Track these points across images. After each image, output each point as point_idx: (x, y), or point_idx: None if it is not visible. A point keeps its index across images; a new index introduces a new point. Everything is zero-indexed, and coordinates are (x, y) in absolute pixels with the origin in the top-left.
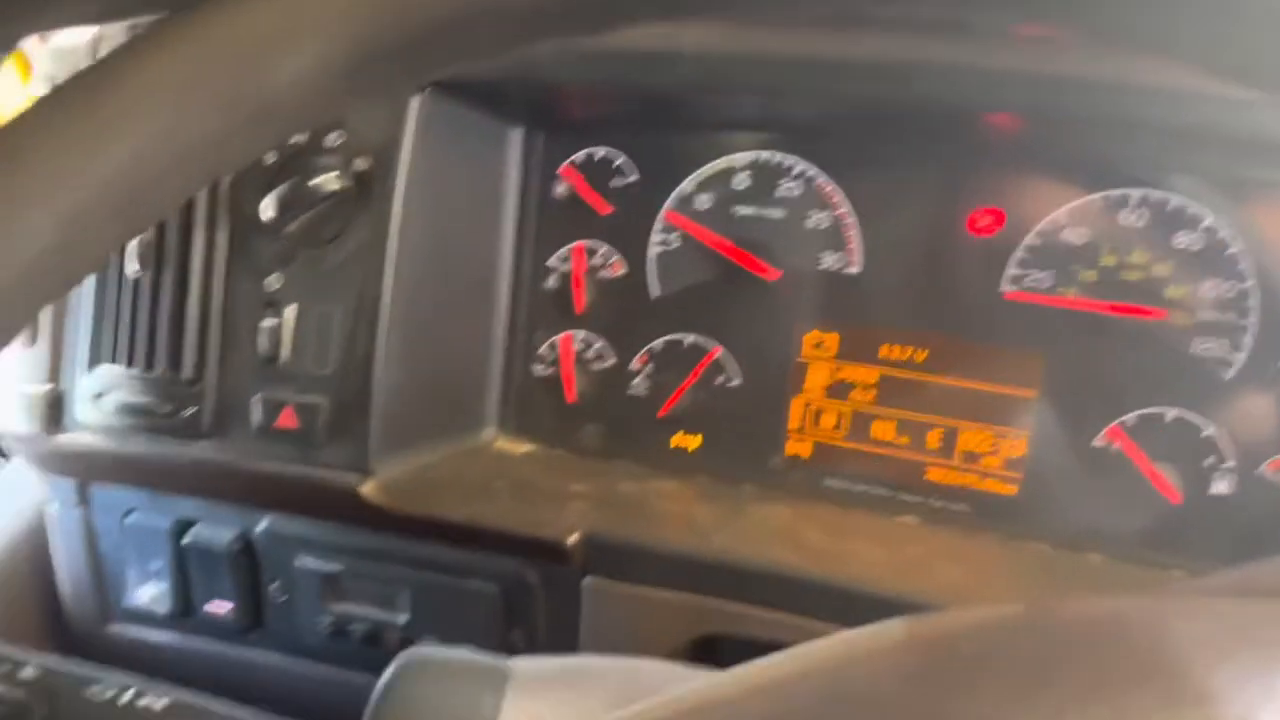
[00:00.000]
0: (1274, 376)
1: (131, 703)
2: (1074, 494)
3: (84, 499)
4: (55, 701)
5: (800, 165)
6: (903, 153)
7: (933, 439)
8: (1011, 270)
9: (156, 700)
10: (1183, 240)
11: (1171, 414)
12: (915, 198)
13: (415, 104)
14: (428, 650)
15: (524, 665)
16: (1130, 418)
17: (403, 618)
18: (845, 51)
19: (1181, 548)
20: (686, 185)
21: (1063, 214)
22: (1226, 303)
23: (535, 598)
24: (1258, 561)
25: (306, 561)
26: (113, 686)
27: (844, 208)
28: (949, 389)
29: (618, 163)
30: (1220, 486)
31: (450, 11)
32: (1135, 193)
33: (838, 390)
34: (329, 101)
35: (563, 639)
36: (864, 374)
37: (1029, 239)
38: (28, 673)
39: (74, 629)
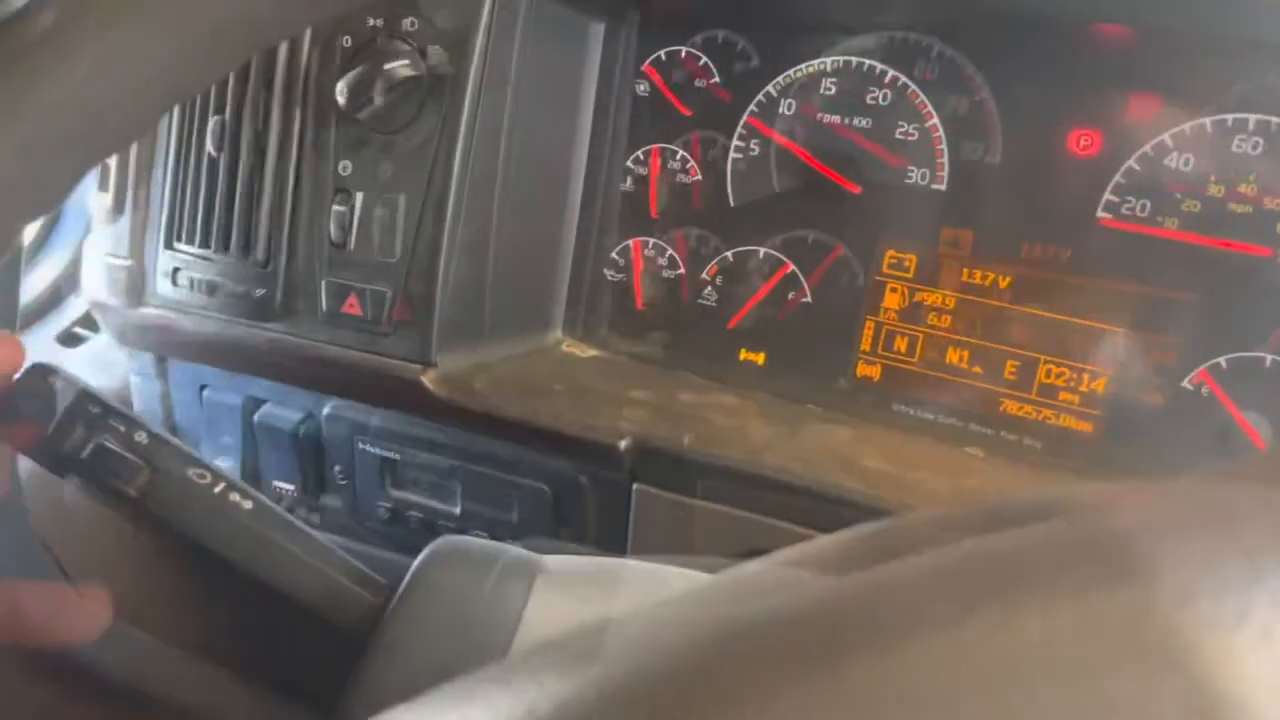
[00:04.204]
0: None
1: (224, 493)
2: (1154, 435)
3: (162, 373)
4: (158, 469)
5: (891, 73)
6: (1002, 67)
7: (1009, 370)
8: (1108, 196)
9: (245, 500)
10: None
11: (1271, 360)
12: (1011, 114)
13: None
14: (462, 538)
15: (555, 561)
16: (1224, 360)
17: (457, 509)
18: None
19: None
20: (771, 90)
21: (1168, 139)
22: None
23: (585, 499)
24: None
25: (367, 447)
26: (209, 475)
27: (935, 120)
28: (1031, 318)
29: (702, 63)
30: None
31: None
32: (1250, 118)
33: (913, 313)
34: None
35: (611, 542)
36: (942, 298)
37: (1129, 163)
38: (141, 437)
39: None
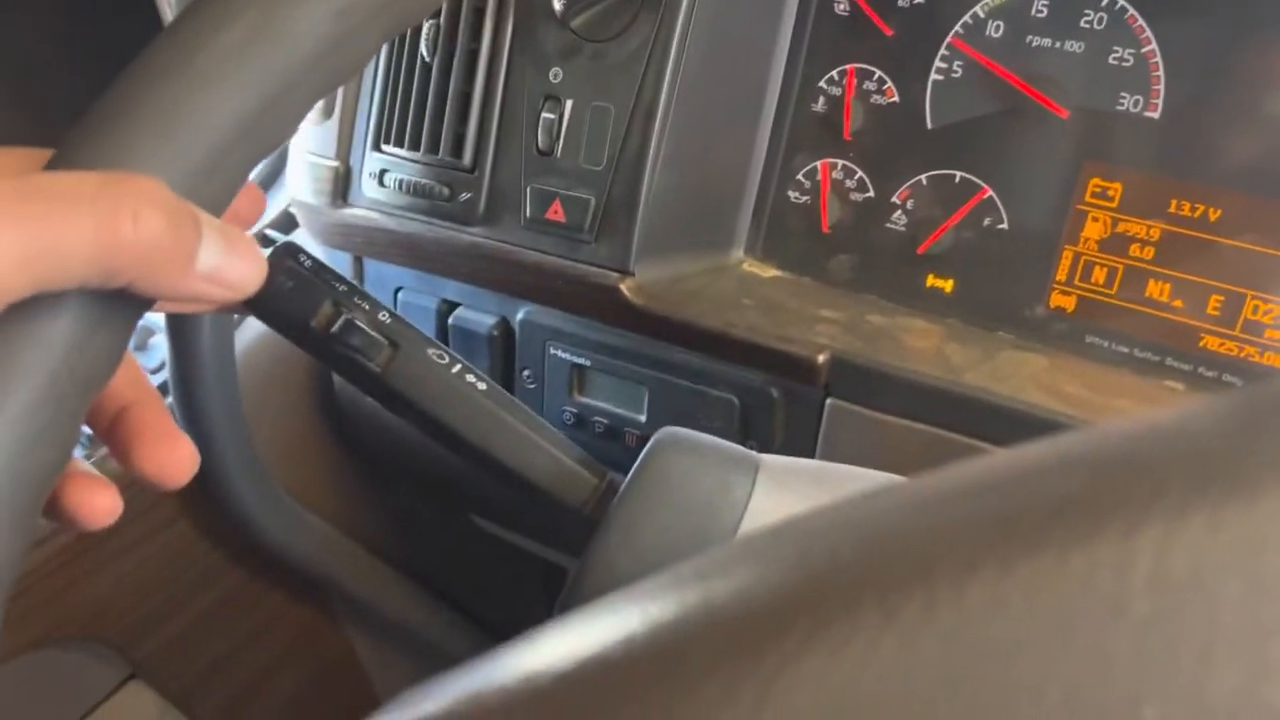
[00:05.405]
0: None
1: (460, 374)
2: None
3: (358, 274)
4: (400, 347)
5: None
6: None
7: (1213, 305)
8: None
9: (480, 381)
10: None
11: None
12: (1233, 40)
13: None
14: (685, 430)
15: (774, 459)
16: None
17: (642, 417)
18: None
19: None
20: (979, 10)
21: None
22: None
23: (775, 412)
24: None
25: (558, 352)
26: (446, 357)
27: (1152, 45)
28: (1240, 253)
29: None
30: None
31: None
32: None
33: (1115, 243)
34: None
35: (798, 455)
36: (1147, 229)
37: None
38: (384, 316)
39: (342, 399)
